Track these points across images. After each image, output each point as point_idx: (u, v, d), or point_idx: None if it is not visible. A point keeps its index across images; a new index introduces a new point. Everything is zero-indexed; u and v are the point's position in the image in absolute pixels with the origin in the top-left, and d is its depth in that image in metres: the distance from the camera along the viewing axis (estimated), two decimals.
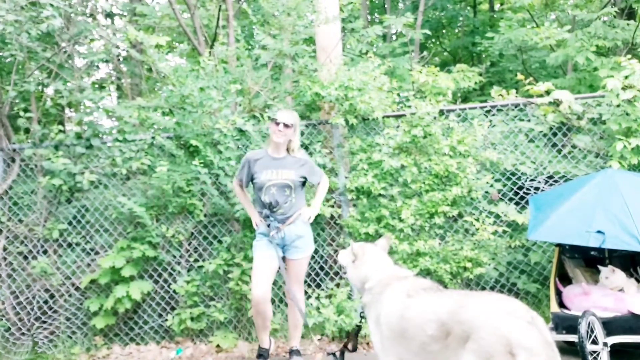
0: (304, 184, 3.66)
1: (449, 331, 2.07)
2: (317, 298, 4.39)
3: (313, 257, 4.62)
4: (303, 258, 3.64)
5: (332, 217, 4.59)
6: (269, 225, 3.51)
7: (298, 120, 3.66)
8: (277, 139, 3.52)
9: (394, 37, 10.27)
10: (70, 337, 4.47)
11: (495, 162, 4.55)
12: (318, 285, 4.58)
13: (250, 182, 3.67)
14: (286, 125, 3.50)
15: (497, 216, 4.49)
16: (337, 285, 4.52)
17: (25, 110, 4.81)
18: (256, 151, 3.72)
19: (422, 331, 2.16)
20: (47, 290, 4.55)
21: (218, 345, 4.25)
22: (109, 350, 4.36)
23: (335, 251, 4.61)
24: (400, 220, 4.38)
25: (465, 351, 1.98)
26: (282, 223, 3.52)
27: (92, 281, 4.45)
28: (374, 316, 2.51)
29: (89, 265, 4.55)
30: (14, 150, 4.68)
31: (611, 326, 3.18)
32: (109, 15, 7.33)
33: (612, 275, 3.56)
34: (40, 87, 5.06)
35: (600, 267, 3.65)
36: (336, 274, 4.59)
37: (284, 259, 3.58)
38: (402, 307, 2.32)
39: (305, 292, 4.54)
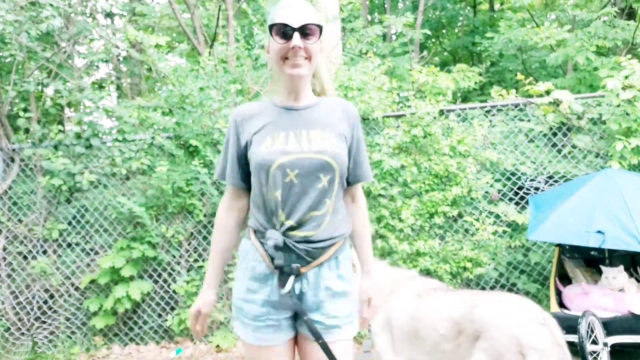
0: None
1: (461, 330, 2.07)
2: None
3: None
4: (343, 340, 1.62)
5: None
6: (282, 271, 1.55)
7: (323, 17, 1.94)
8: (294, 71, 1.59)
9: (394, 37, 10.27)
10: (70, 337, 4.47)
11: (495, 162, 4.55)
12: None
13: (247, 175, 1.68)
14: (307, 33, 1.56)
15: (497, 216, 4.49)
16: None
17: (25, 110, 4.81)
18: (250, 103, 1.75)
19: (434, 331, 2.17)
20: (46, 290, 4.54)
21: (218, 346, 4.24)
22: (108, 350, 4.36)
23: None
24: (400, 220, 4.38)
25: (476, 350, 1.98)
26: (307, 261, 1.57)
27: (92, 281, 4.45)
28: (381, 319, 2.50)
29: (88, 265, 4.55)
30: (14, 150, 4.68)
31: (611, 326, 3.18)
32: (109, 15, 7.32)
33: (619, 275, 3.55)
34: (40, 87, 5.05)
35: (604, 268, 3.63)
36: None
37: (295, 339, 1.65)
38: (413, 308, 2.32)
39: None
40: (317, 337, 1.52)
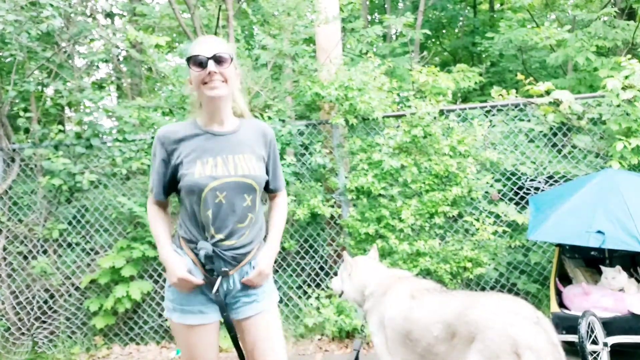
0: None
1: (455, 332, 2.07)
2: (317, 298, 4.39)
3: (313, 257, 4.63)
4: (267, 311, 1.97)
5: (332, 217, 4.59)
6: (211, 272, 1.86)
7: (234, 49, 2.14)
8: (213, 92, 1.82)
9: (394, 37, 10.27)
10: (70, 337, 4.47)
11: (495, 162, 4.55)
12: (318, 285, 4.58)
13: (171, 190, 1.98)
14: (219, 60, 1.81)
15: (497, 216, 4.49)
16: None
17: (25, 110, 4.81)
18: (175, 125, 1.93)
19: (428, 332, 2.16)
20: (47, 290, 4.55)
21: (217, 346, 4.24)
22: (108, 350, 4.36)
23: (335, 251, 4.62)
24: (400, 220, 4.38)
25: (471, 351, 1.98)
26: (233, 264, 1.87)
27: (92, 281, 4.45)
28: (376, 319, 2.49)
29: (88, 265, 4.55)
30: (14, 150, 4.68)
31: (611, 326, 3.18)
32: (109, 15, 7.33)
33: (619, 275, 3.55)
34: (40, 87, 5.05)
35: (604, 268, 3.64)
36: (336, 274, 4.58)
37: (229, 325, 1.91)
38: (407, 309, 2.31)
39: (305, 292, 4.55)
40: (230, 329, 1.91)
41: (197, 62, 1.80)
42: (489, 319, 1.99)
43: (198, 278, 1.86)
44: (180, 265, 1.86)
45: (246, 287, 1.92)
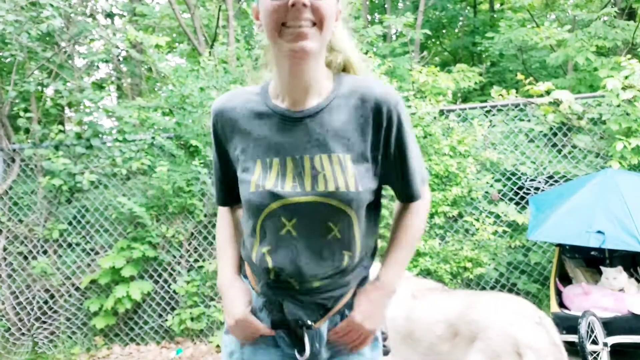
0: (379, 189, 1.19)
1: (457, 331, 2.07)
2: None
3: None
4: None
5: None
6: (291, 332, 1.17)
7: None
8: (298, 44, 1.04)
9: (394, 37, 10.27)
10: (70, 337, 4.47)
11: (495, 162, 4.55)
12: None
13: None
14: None
15: (497, 216, 4.49)
16: None
17: (25, 110, 4.81)
18: (235, 93, 1.23)
19: (430, 332, 2.16)
20: (47, 291, 4.54)
21: (218, 346, 4.24)
22: (109, 350, 4.36)
23: None
24: None
25: (472, 351, 1.98)
26: (318, 314, 1.17)
27: (92, 281, 4.45)
28: None
29: (89, 265, 4.55)
30: (14, 150, 4.68)
31: (611, 326, 3.18)
32: (109, 15, 7.32)
33: (619, 275, 3.55)
34: (40, 87, 5.05)
35: (604, 268, 3.64)
36: None
37: None
38: (408, 309, 2.31)
39: None
40: None
41: None
42: (490, 319, 1.99)
43: (266, 324, 1.18)
44: (240, 301, 1.19)
45: (336, 346, 1.19)
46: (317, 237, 1.10)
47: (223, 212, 1.32)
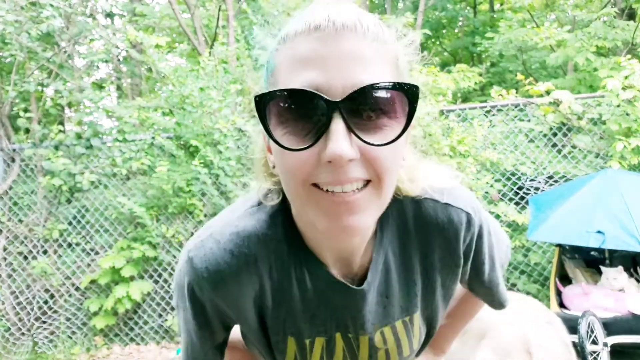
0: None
1: (466, 329, 2.08)
2: None
3: None
4: None
5: None
6: None
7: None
8: (343, 224, 0.61)
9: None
10: (70, 337, 4.46)
11: (495, 162, 4.55)
12: None
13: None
14: (365, 110, 0.58)
15: (497, 216, 4.48)
16: None
17: (25, 110, 4.82)
18: (241, 248, 0.73)
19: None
20: (47, 291, 4.54)
21: None
22: (109, 350, 4.36)
23: None
24: None
25: (481, 348, 1.98)
26: None
27: (92, 281, 4.45)
28: None
29: (89, 265, 4.55)
30: (14, 150, 4.68)
31: (611, 326, 3.18)
32: (109, 15, 7.33)
33: (619, 275, 3.55)
34: (40, 87, 5.05)
35: (604, 268, 3.64)
36: None
37: None
38: None
39: None
40: None
41: (294, 112, 0.59)
42: (501, 317, 1.99)
43: None
44: None
45: None
46: None
47: None
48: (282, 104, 0.58)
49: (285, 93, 0.57)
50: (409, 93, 0.58)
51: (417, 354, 0.95)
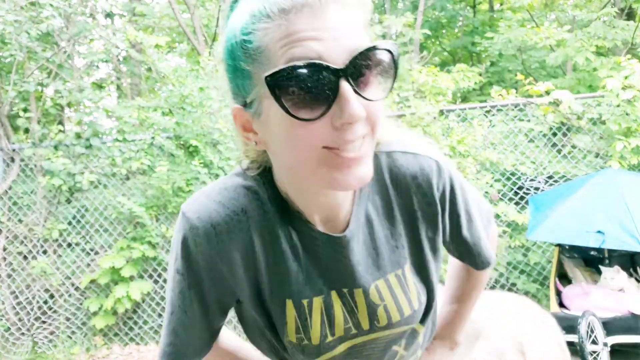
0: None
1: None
2: None
3: None
4: None
5: None
6: None
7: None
8: (355, 176, 0.67)
9: (394, 37, 10.28)
10: (70, 337, 4.46)
11: (495, 162, 4.55)
12: None
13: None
14: (363, 75, 0.63)
15: (497, 216, 4.48)
16: None
17: (25, 110, 4.82)
18: (222, 204, 0.77)
19: None
20: (46, 290, 4.55)
21: None
22: (108, 350, 4.36)
23: None
24: None
25: (475, 349, 1.98)
26: None
27: (92, 281, 4.45)
28: None
29: (88, 265, 4.55)
30: (14, 150, 4.68)
31: (611, 326, 3.19)
32: (109, 15, 7.33)
33: (617, 275, 3.56)
34: (40, 87, 5.05)
35: (603, 268, 3.64)
36: None
37: None
38: None
39: None
40: None
41: (305, 86, 0.61)
42: (495, 317, 1.99)
43: None
44: None
45: None
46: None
47: None
48: (293, 79, 0.62)
49: (297, 68, 0.61)
50: (394, 51, 0.67)
51: (429, 340, 1.02)
